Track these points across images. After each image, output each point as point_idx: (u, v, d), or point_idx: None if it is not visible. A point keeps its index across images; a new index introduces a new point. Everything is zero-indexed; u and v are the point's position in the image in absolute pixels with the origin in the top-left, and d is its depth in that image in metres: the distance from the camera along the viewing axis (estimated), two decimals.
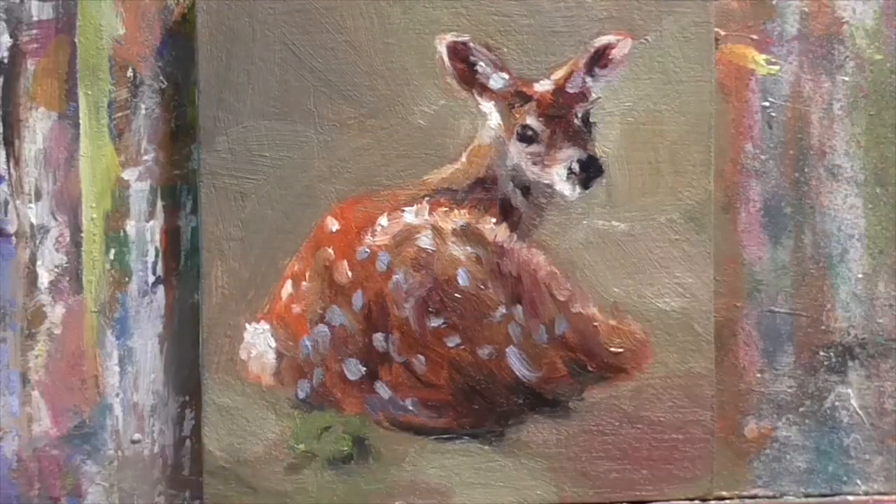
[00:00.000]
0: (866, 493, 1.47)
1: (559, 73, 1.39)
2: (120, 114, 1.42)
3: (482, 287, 1.39)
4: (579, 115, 1.39)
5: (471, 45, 1.38)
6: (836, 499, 1.47)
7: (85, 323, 1.43)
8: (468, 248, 1.39)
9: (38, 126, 1.41)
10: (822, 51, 1.46)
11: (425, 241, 1.39)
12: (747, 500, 1.46)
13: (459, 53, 1.38)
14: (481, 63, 1.39)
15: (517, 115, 1.40)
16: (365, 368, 1.39)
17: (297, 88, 1.38)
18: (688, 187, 1.40)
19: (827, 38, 1.46)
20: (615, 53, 1.39)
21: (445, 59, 1.38)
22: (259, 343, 1.39)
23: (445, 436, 1.40)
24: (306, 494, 1.40)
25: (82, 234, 1.42)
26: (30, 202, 1.42)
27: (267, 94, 1.38)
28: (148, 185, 1.43)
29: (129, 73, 1.42)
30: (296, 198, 1.39)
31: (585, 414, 1.40)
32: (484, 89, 1.39)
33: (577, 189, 1.40)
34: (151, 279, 1.43)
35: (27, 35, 1.41)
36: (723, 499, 1.45)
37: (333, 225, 1.39)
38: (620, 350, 1.40)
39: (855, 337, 1.46)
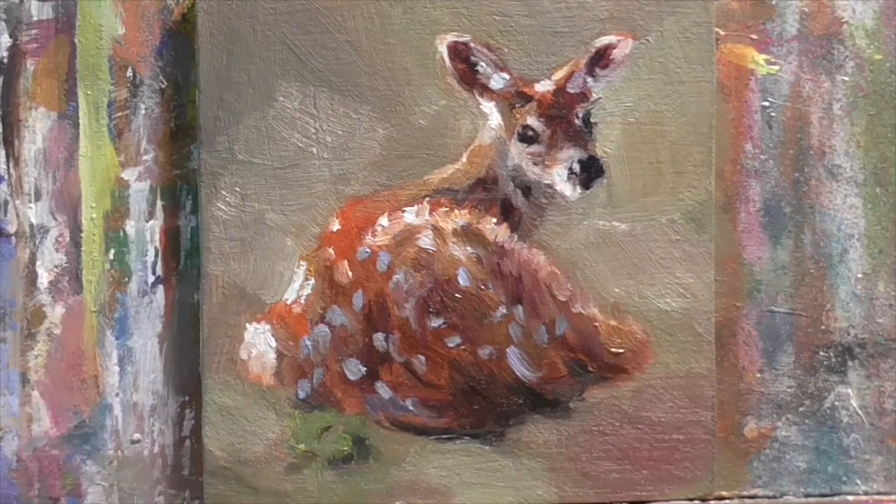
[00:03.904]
0: (866, 493, 1.47)
1: (560, 74, 1.39)
2: (120, 114, 1.42)
3: (483, 287, 1.39)
4: (580, 115, 1.39)
5: (472, 45, 1.38)
6: (836, 499, 1.47)
7: (85, 323, 1.43)
8: (469, 248, 1.39)
9: (37, 126, 1.41)
10: (822, 51, 1.46)
11: (426, 241, 1.39)
12: (747, 500, 1.46)
13: (460, 54, 1.38)
14: (482, 63, 1.39)
15: (518, 116, 1.40)
16: (365, 368, 1.39)
17: (298, 88, 1.38)
18: (689, 188, 1.40)
19: (827, 37, 1.46)
20: (616, 54, 1.39)
21: (446, 59, 1.38)
22: (259, 343, 1.39)
23: (446, 436, 1.40)
24: (306, 494, 1.40)
25: (82, 234, 1.42)
26: (29, 202, 1.41)
27: (267, 94, 1.38)
28: (148, 184, 1.43)
29: (129, 73, 1.42)
30: (296, 198, 1.39)
31: (586, 414, 1.40)
32: (485, 89, 1.39)
33: (578, 189, 1.40)
34: (151, 279, 1.43)
35: (27, 35, 1.41)
36: (723, 499, 1.45)
37: (334, 225, 1.39)
38: (621, 350, 1.40)
39: (855, 337, 1.47)
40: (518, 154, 1.40)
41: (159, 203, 1.43)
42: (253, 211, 1.39)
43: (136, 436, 1.43)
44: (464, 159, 1.39)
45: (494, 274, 1.39)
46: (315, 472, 1.40)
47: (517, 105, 1.39)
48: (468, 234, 1.39)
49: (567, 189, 1.40)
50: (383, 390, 1.39)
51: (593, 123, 1.40)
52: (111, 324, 1.43)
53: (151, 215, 1.43)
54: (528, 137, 1.40)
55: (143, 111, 1.42)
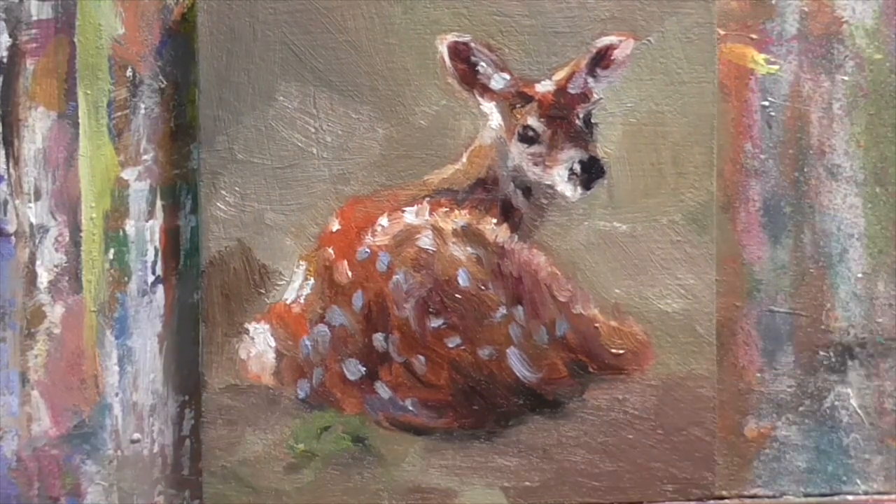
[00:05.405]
0: (866, 493, 1.47)
1: (561, 74, 1.39)
2: (119, 113, 1.42)
3: (483, 288, 1.39)
4: (581, 115, 1.39)
5: (472, 45, 1.38)
6: (836, 498, 1.47)
7: (84, 322, 1.42)
8: (469, 248, 1.39)
9: (37, 126, 1.41)
10: (822, 50, 1.46)
11: (426, 241, 1.39)
12: (747, 500, 1.46)
13: (461, 54, 1.38)
14: (482, 63, 1.38)
15: (518, 116, 1.39)
16: (365, 368, 1.39)
17: (298, 88, 1.38)
18: (690, 188, 1.40)
19: (826, 37, 1.46)
20: (617, 54, 1.39)
21: (446, 59, 1.38)
22: (259, 343, 1.39)
23: (445, 436, 1.40)
24: (306, 494, 1.40)
25: (82, 234, 1.42)
26: (29, 202, 1.41)
27: (267, 94, 1.38)
28: (147, 184, 1.42)
29: (129, 73, 1.42)
30: (295, 198, 1.39)
31: (586, 415, 1.40)
32: (485, 90, 1.39)
33: (579, 190, 1.39)
34: (151, 279, 1.43)
35: (26, 35, 1.40)
36: (723, 498, 1.45)
37: (334, 225, 1.39)
38: (621, 351, 1.40)
39: (855, 336, 1.47)
40: (518, 154, 1.40)
41: (159, 203, 1.43)
42: (252, 210, 1.39)
43: (136, 435, 1.43)
44: (464, 159, 1.39)
45: (494, 274, 1.39)
46: (314, 472, 1.40)
47: (518, 105, 1.39)
48: (468, 235, 1.39)
49: (568, 190, 1.40)
50: (383, 390, 1.39)
51: (594, 124, 1.39)
52: (111, 323, 1.43)
53: (151, 215, 1.43)
54: (528, 138, 1.40)
55: (142, 111, 1.42)
